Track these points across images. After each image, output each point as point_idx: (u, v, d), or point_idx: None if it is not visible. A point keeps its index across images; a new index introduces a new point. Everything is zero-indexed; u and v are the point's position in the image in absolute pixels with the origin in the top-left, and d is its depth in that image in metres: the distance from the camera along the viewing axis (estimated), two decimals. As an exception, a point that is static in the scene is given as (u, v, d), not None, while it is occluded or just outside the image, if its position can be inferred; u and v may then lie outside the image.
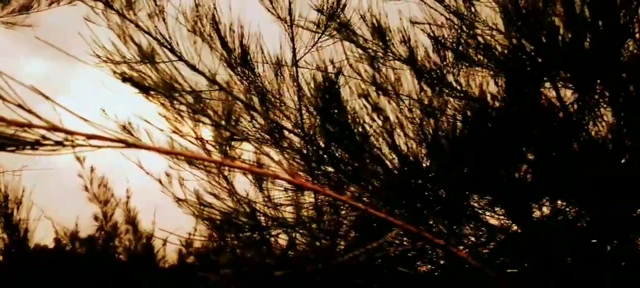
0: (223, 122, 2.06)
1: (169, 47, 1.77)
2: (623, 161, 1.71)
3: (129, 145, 0.59)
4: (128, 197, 3.61)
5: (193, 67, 1.76)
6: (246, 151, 2.09)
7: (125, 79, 0.99)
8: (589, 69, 1.24)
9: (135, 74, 1.26)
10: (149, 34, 1.66)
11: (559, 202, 1.91)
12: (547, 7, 1.47)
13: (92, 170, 3.71)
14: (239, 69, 1.84)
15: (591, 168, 1.68)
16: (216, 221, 2.27)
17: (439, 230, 1.55)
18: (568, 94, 1.68)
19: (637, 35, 1.35)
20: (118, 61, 1.76)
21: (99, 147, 0.58)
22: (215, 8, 1.77)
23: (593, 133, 1.76)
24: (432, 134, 1.91)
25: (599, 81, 1.25)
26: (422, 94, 1.91)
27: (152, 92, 1.27)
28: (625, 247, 1.78)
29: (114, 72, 1.04)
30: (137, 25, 1.78)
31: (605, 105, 1.72)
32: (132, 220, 3.57)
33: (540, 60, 1.55)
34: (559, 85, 1.55)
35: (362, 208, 0.81)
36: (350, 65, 2.07)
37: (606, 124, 1.68)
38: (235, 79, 1.88)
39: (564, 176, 1.77)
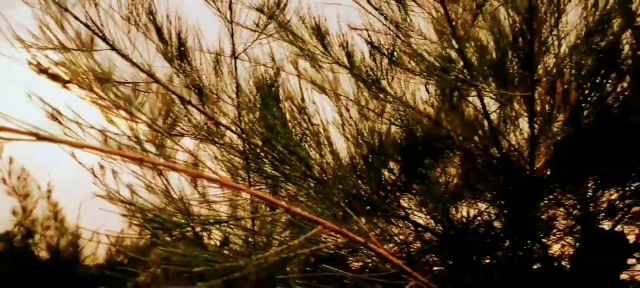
0: (160, 117, 2.00)
1: (100, 35, 1.70)
2: (537, 167, 1.87)
3: (41, 138, 0.57)
4: (49, 191, 3.39)
5: (126, 58, 1.70)
6: (182, 151, 2.04)
7: (41, 70, 0.94)
8: (511, 82, 1.34)
9: (57, 63, 1.20)
10: (78, 19, 1.58)
11: (480, 204, 2.05)
12: (475, 21, 1.58)
13: (10, 161, 3.45)
14: (176, 63, 1.80)
15: (509, 173, 1.82)
16: (149, 217, 2.20)
17: (372, 229, 1.61)
18: (491, 105, 1.81)
19: (552, 55, 1.49)
20: (44, 47, 1.66)
21: (7, 140, 0.55)
22: (152, -2, 1.72)
23: (513, 141, 1.91)
24: (366, 136, 1.98)
25: (518, 95, 1.36)
26: (359, 96, 1.97)
27: (75, 83, 1.21)
28: (536, 248, 1.95)
29: (30, 63, 0.98)
30: (66, 10, 1.68)
31: (524, 116, 1.87)
32: (55, 215, 3.36)
33: (467, 71, 1.65)
34: (484, 96, 1.66)
35: (285, 206, 0.83)
36: (292, 63, 2.09)
37: (523, 134, 1.83)
38: (173, 73, 1.84)
39: (486, 180, 1.90)
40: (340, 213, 1.16)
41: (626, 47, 1.94)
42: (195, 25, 1.78)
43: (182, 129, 1.88)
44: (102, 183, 2.23)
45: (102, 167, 2.31)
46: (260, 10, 1.61)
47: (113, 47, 1.76)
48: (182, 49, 1.75)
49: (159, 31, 1.77)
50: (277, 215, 1.13)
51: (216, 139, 1.82)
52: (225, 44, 1.76)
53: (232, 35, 1.69)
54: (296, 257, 0.87)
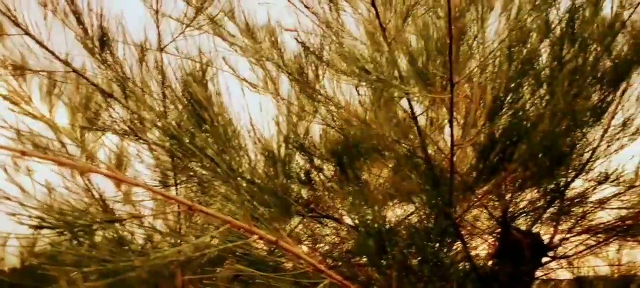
0: (79, 111, 1.89)
1: (12, 18, 1.57)
2: (461, 169, 1.94)
3: None
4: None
5: (41, 44, 1.59)
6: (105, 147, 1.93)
7: None
8: (433, 86, 1.38)
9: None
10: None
11: (408, 205, 2.10)
12: (404, 25, 1.61)
13: None
14: (97, 53, 1.70)
15: (435, 175, 1.87)
16: (67, 217, 2.07)
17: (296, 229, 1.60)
18: (419, 108, 1.85)
19: (474, 61, 1.55)
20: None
21: None
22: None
23: (439, 143, 1.97)
24: (298, 136, 1.97)
25: (437, 97, 1.40)
26: (292, 95, 1.96)
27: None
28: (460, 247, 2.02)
29: None
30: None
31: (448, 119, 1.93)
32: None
33: (396, 73, 1.68)
34: (411, 99, 1.70)
35: (188, 204, 0.79)
36: (223, 59, 2.04)
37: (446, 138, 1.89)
38: (94, 64, 1.74)
39: (414, 182, 1.94)
40: (259, 213, 1.14)
41: (544, 56, 2.06)
42: (119, 13, 1.69)
43: (104, 123, 1.78)
44: (15, 183, 2.07)
45: (16, 164, 2.15)
46: (187, 1, 1.55)
47: (27, 32, 1.64)
48: (104, 38, 1.65)
49: (79, 18, 1.67)
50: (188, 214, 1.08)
51: (140, 135, 1.74)
52: (153, 36, 1.69)
53: (157, 26, 1.62)
54: (202, 256, 0.83)
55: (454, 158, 1.63)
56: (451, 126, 1.37)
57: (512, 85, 1.64)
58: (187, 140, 1.70)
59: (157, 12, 1.58)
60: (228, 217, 0.80)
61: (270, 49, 1.78)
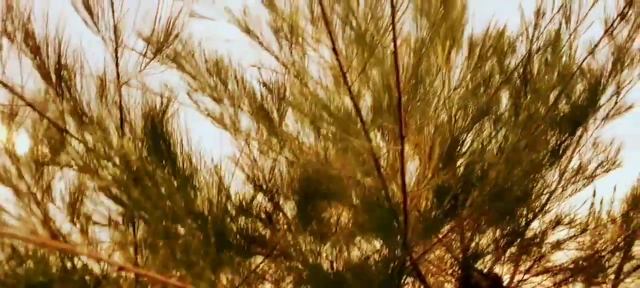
0: (35, 144, 1.84)
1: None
2: (423, 209, 1.95)
3: None
4: None
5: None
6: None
7: None
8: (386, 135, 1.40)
9: None
10: None
11: (372, 244, 2.09)
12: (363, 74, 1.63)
13: None
14: (55, 87, 1.67)
15: (395, 216, 1.88)
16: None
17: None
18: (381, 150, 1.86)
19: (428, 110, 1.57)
20: None
21: None
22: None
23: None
24: (262, 175, 1.95)
25: (392, 148, 1.42)
26: (253, 132, 1.95)
27: None
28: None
29: None
30: None
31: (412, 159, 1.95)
32: None
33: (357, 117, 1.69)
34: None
35: (119, 266, 0.77)
36: (188, 95, 2.02)
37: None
38: (51, 97, 1.70)
39: (376, 221, 1.94)
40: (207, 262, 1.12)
41: (505, 100, 2.12)
42: (79, 47, 1.66)
43: (59, 157, 1.73)
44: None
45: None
46: (147, 41, 1.54)
47: (-21, 64, 1.60)
48: (62, 73, 1.62)
49: (36, 51, 1.64)
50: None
51: (97, 171, 1.70)
52: (112, 69, 1.66)
53: (117, 63, 1.60)
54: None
55: (412, 202, 1.64)
56: (403, 177, 1.38)
57: (465, 135, 1.68)
58: (144, 179, 1.67)
59: (115, 48, 1.56)
60: (163, 278, 0.78)
61: (232, 86, 1.77)
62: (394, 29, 1.08)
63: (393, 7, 1.07)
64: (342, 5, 1.17)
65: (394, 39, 1.09)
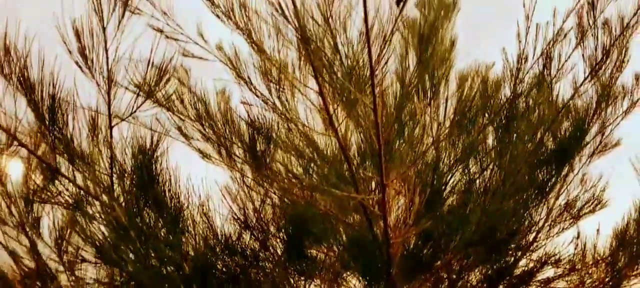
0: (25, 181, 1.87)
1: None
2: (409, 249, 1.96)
3: None
4: None
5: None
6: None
7: None
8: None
9: None
10: None
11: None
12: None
13: None
14: (47, 126, 1.70)
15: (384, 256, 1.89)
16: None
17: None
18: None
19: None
20: None
21: None
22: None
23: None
24: (251, 213, 1.97)
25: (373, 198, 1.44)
26: (245, 171, 1.98)
27: None
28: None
29: None
30: None
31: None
32: None
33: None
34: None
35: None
36: (179, 129, 2.05)
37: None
38: (43, 136, 1.73)
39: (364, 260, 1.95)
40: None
41: (490, 139, 2.14)
42: (72, 88, 1.70)
43: (48, 195, 1.76)
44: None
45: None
46: (139, 86, 1.58)
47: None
48: (55, 114, 1.66)
49: (31, 92, 1.68)
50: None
51: (87, 210, 1.73)
52: (103, 110, 1.70)
53: (109, 104, 1.64)
54: None
55: (396, 243, 1.66)
56: (385, 223, 1.41)
57: (450, 176, 1.71)
58: (133, 218, 1.69)
59: (108, 92, 1.60)
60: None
61: (221, 126, 1.81)
62: (373, 89, 1.12)
63: (372, 69, 1.11)
64: (326, 60, 1.21)
65: (374, 99, 1.13)
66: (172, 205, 1.77)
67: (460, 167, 1.90)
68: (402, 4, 1.04)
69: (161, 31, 1.88)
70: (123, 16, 1.45)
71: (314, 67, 1.39)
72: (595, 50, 1.74)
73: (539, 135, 2.05)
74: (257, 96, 1.69)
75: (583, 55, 1.79)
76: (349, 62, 1.30)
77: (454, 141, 1.90)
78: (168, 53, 1.73)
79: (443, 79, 2.11)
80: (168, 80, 1.64)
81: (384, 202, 1.32)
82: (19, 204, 1.81)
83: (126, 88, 1.74)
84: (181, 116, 1.76)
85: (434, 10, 2.17)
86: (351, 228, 1.85)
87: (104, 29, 1.48)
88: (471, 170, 2.01)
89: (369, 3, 1.13)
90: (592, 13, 1.69)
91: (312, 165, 1.67)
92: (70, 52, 1.55)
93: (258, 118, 1.83)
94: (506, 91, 1.97)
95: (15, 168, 1.98)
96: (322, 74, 1.40)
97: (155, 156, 1.78)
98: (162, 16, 1.62)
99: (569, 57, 1.84)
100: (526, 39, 1.78)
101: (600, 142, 2.15)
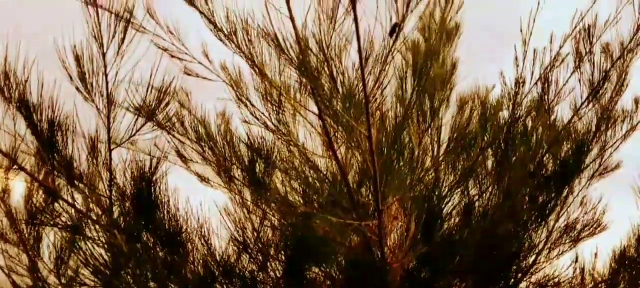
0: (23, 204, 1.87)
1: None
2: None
3: None
4: None
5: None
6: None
7: None
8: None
9: None
10: None
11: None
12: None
13: None
14: (46, 148, 1.71)
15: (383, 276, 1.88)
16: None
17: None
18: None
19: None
20: None
21: None
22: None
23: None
24: (250, 237, 1.97)
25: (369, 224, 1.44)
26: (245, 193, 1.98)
27: None
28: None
29: None
30: None
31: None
32: None
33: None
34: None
35: None
36: (177, 152, 2.05)
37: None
38: (41, 160, 1.74)
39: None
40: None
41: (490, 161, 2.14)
42: (72, 110, 1.71)
43: (47, 217, 1.76)
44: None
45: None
46: (138, 109, 1.59)
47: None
48: (54, 137, 1.67)
49: (30, 115, 1.69)
50: None
51: (86, 232, 1.73)
52: (103, 133, 1.71)
53: (108, 129, 1.65)
54: None
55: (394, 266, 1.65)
56: (382, 248, 1.41)
57: (448, 199, 1.71)
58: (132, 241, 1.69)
59: (108, 115, 1.61)
60: None
61: (222, 148, 1.82)
62: (368, 118, 1.13)
63: (367, 99, 1.12)
64: (322, 89, 1.22)
65: (368, 128, 1.13)
66: (171, 228, 1.77)
67: (459, 190, 1.90)
68: (394, 35, 1.04)
69: (165, 50, 1.90)
70: (123, 42, 1.46)
71: (313, 94, 1.40)
72: (592, 75, 1.75)
73: (538, 158, 2.04)
74: (257, 119, 1.70)
75: (580, 81, 1.79)
76: (345, 90, 1.31)
77: (453, 164, 1.90)
78: (169, 74, 1.75)
79: (443, 102, 2.12)
80: (168, 103, 1.65)
81: (381, 227, 1.32)
82: (20, 224, 1.82)
83: (126, 109, 1.76)
84: (181, 139, 1.77)
85: (435, 33, 2.19)
86: (350, 251, 1.85)
87: (103, 55, 1.50)
88: (470, 193, 2.00)
89: (364, 33, 1.14)
90: (588, 39, 1.70)
91: (310, 188, 1.68)
92: (70, 77, 1.56)
93: (258, 140, 1.83)
94: (505, 114, 1.97)
95: (17, 187, 1.99)
96: (321, 101, 1.41)
97: (154, 179, 1.79)
98: (167, 34, 1.64)
99: (566, 81, 1.85)
100: (524, 63, 1.79)
101: (600, 164, 2.15)
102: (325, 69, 1.16)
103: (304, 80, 1.40)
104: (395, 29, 1.04)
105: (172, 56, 1.85)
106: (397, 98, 1.95)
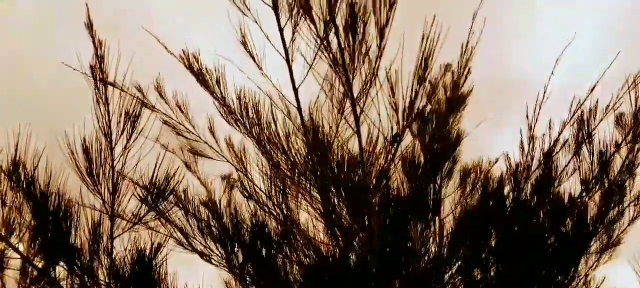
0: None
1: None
2: None
3: None
4: None
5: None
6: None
7: None
8: None
9: None
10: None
11: None
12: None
13: None
14: (49, 235, 1.71)
15: None
16: None
17: None
18: None
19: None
20: None
21: None
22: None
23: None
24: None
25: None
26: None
27: None
28: None
29: None
30: None
31: None
32: None
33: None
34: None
35: None
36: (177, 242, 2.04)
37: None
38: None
39: None
40: None
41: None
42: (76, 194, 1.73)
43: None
44: None
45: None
46: (141, 201, 1.60)
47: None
48: (59, 224, 1.68)
49: (36, 204, 1.70)
50: None
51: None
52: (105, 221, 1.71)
53: (112, 218, 1.66)
54: None
55: None
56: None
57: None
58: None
59: (112, 207, 1.62)
60: None
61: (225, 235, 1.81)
62: (370, 222, 1.14)
63: (368, 200, 1.14)
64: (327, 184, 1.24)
65: (370, 229, 1.14)
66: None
67: (462, 273, 1.87)
68: (396, 144, 1.07)
69: (174, 128, 1.95)
70: (130, 138, 1.49)
71: (318, 189, 1.42)
72: (591, 165, 1.76)
73: (543, 238, 2.02)
74: (261, 207, 1.71)
75: (579, 169, 1.80)
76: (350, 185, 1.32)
77: (456, 246, 1.88)
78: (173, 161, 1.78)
79: (447, 178, 2.13)
80: (171, 192, 1.66)
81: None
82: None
83: (133, 194, 1.77)
84: (183, 228, 1.77)
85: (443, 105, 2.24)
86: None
87: (112, 150, 1.53)
88: (474, 273, 1.97)
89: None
90: (585, 128, 1.73)
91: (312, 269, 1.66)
92: (79, 170, 1.58)
93: (261, 224, 1.83)
94: (508, 193, 1.97)
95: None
96: (326, 193, 1.43)
97: (155, 263, 1.77)
98: (175, 112, 1.69)
99: (567, 165, 1.86)
100: (531, 146, 1.81)
101: (606, 245, 2.12)
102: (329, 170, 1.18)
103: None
104: (396, 139, 1.07)
105: (179, 135, 1.89)
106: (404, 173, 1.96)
